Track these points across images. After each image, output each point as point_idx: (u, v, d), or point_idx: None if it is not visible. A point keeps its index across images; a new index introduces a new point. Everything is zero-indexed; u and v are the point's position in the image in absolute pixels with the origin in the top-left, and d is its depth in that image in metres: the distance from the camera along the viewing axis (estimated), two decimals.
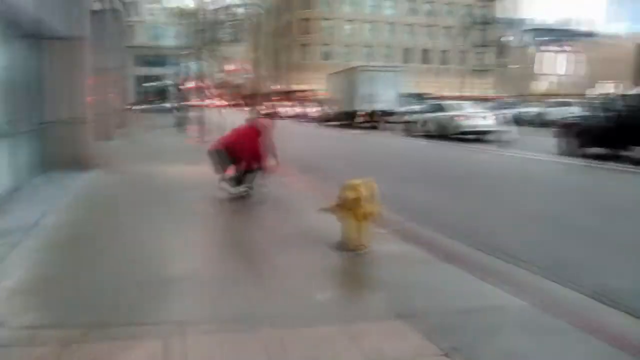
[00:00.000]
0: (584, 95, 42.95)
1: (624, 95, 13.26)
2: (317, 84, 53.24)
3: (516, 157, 12.92)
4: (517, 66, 68.75)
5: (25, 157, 7.36)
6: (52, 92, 8.37)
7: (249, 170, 6.90)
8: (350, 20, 65.44)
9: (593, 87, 57.40)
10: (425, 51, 68.12)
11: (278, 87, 64.12)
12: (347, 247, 4.41)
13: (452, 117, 18.15)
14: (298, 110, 40.52)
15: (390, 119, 26.59)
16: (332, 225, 4.59)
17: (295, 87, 59.94)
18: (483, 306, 3.32)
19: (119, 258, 4.19)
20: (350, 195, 4.28)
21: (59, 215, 5.46)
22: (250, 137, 6.90)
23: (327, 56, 62.03)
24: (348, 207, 4.33)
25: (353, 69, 28.23)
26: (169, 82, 46.36)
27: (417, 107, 26.31)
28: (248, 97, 68.39)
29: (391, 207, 5.43)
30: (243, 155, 6.79)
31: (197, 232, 5.19)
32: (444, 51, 68.47)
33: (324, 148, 16.80)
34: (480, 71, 67.14)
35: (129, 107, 24.07)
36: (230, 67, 77.49)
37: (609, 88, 53.25)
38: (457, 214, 6.41)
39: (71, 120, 8.54)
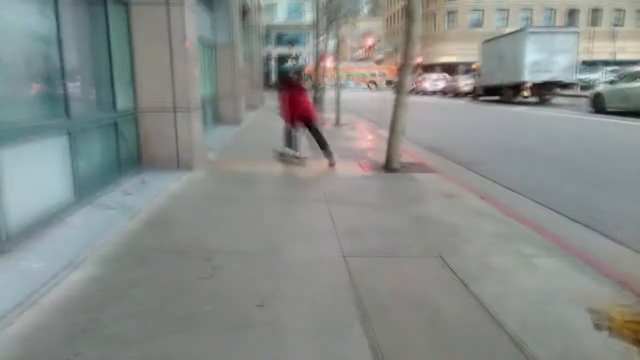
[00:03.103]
0: None
1: None
2: (465, 55, 47.99)
3: None
4: None
5: (211, 115, 12.20)
6: (220, 76, 13.46)
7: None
8: None
9: None
10: (594, 11, 57.84)
11: (420, 60, 59.51)
12: None
13: None
14: (445, 84, 36.17)
15: (564, 91, 21.66)
16: None
17: (440, 59, 54.93)
18: None
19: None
20: None
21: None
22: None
23: (477, 23, 55.62)
24: None
25: (518, 32, 23.27)
26: (303, 61, 45.37)
27: (595, 76, 21.03)
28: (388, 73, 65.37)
29: None
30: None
31: None
32: (618, 10, 57.55)
33: (487, 132, 13.20)
34: None
35: (265, 87, 22.57)
36: (368, 42, 74.81)
37: None
38: None
39: (230, 94, 13.64)
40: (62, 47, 4.38)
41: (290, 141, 7.77)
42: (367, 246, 3.81)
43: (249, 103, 18.24)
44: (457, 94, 31.74)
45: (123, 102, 6.04)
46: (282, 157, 7.74)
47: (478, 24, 55.09)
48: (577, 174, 7.05)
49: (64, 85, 4.43)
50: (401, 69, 6.90)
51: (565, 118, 15.88)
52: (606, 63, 38.90)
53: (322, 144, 7.49)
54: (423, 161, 7.73)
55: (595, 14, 57.91)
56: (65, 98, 4.45)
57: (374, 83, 54.92)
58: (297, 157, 7.57)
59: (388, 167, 6.96)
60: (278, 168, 7.17)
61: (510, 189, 5.99)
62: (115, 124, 5.73)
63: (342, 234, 4.04)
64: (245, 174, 6.66)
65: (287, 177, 6.50)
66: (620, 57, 47.28)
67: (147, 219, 4.41)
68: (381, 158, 7.35)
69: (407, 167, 7.03)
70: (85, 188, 4.73)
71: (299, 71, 8.15)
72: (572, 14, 57.40)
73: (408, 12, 6.66)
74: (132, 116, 6.30)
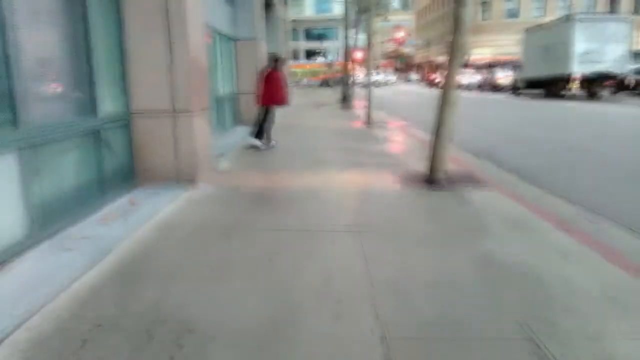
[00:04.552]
0: None
1: None
2: (501, 46, 45.83)
3: None
4: None
5: (230, 115, 11.57)
6: (241, 72, 12.35)
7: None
8: None
9: None
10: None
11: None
12: None
13: None
14: (481, 78, 34.20)
15: (616, 83, 19.82)
16: None
17: (474, 52, 52.63)
18: None
19: None
20: None
21: None
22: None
23: (513, 13, 52.98)
24: None
25: (565, 19, 21.31)
26: (333, 54, 43.87)
27: None
28: (419, 67, 63.47)
29: None
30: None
31: None
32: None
33: (538, 130, 11.70)
34: None
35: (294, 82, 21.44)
36: (399, 35, 72.94)
37: None
38: None
39: (247, 92, 11.91)
40: (5, 31, 3.29)
41: (258, 129, 8.66)
42: (417, 317, 2.59)
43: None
44: (494, 88, 29.86)
45: (110, 104, 4.97)
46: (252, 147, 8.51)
47: (514, 14, 52.55)
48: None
49: (10, 83, 3.34)
50: (450, 61, 5.62)
51: (627, 114, 14.18)
52: None
53: (262, 130, 8.60)
54: (471, 170, 6.43)
55: (638, 2, 54.49)
56: (12, 101, 3.36)
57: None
58: (266, 146, 8.58)
59: (432, 180, 5.71)
60: (297, 179, 6.00)
61: (593, 211, 4.66)
62: (97, 133, 4.65)
63: (380, 292, 2.84)
64: (260, 190, 5.51)
65: (310, 194, 5.32)
66: None
67: (117, 265, 3.30)
68: (420, 166, 6.11)
69: (454, 180, 5.76)
70: (45, 219, 3.67)
71: (277, 58, 8.77)
72: (614, 1, 54.13)
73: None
74: (122, 122, 5.23)
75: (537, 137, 10.26)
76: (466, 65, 41.76)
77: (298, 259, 3.40)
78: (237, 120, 12.22)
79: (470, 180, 5.86)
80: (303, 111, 17.17)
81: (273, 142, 8.74)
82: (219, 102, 10.48)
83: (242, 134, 10.53)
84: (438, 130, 5.69)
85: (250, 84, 12.59)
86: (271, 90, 8.51)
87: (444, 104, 5.61)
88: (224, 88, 11.07)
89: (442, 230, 4.07)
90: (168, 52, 5.30)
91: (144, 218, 4.27)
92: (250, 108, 12.50)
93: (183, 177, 5.53)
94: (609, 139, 9.68)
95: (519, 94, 24.81)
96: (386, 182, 5.83)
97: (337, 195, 5.25)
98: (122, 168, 5.18)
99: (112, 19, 5.06)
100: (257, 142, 8.56)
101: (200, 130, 5.69)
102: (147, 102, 5.39)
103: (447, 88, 5.57)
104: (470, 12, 5.48)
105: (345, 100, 19.21)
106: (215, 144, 8.26)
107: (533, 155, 8.05)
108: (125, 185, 5.20)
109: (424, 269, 3.20)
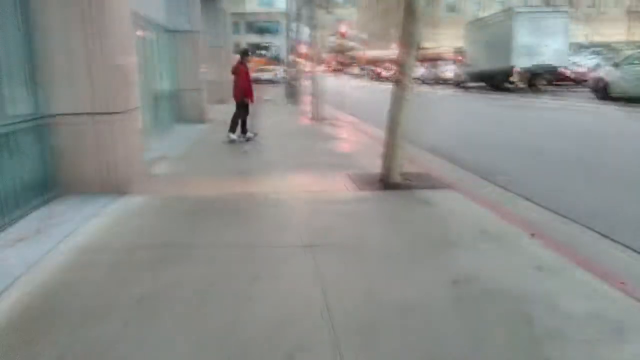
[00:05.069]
0: None
1: None
2: (441, 40, 46.61)
3: None
4: None
5: (169, 113, 10.53)
6: (180, 67, 11.47)
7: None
8: None
9: None
10: None
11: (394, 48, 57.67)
12: None
13: None
14: (425, 71, 34.46)
15: (557, 77, 20.37)
16: None
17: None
18: None
19: None
20: None
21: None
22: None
23: (451, 8, 54.08)
24: None
25: (506, 13, 21.64)
26: (277, 49, 43.07)
27: (595, 60, 19.91)
28: (362, 62, 63.70)
29: None
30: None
31: None
32: None
33: (485, 126, 11.66)
34: None
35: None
36: (342, 30, 72.94)
37: None
38: None
39: (192, 89, 11.65)
40: None
41: (237, 124, 8.86)
42: None
43: (218, 97, 16.47)
44: (438, 81, 30.17)
45: (22, 106, 4.24)
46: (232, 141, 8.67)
47: (452, 9, 53.77)
48: (628, 183, 5.52)
49: None
50: (402, 51, 5.20)
51: (568, 107, 14.47)
52: (583, 47, 37.83)
53: (235, 123, 8.81)
54: (428, 170, 6.10)
55: None
56: None
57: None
58: (246, 138, 8.88)
59: (387, 181, 5.30)
60: (241, 185, 5.43)
61: (557, 213, 4.39)
62: (4, 137, 3.91)
63: (344, 332, 2.36)
64: (200, 199, 4.90)
65: (258, 202, 4.78)
66: (595, 40, 46.38)
67: (19, 303, 2.64)
68: (375, 166, 5.70)
69: (412, 180, 5.38)
70: None
71: (243, 52, 9.18)
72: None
73: None
74: (37, 125, 4.48)
75: (485, 132, 10.17)
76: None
77: (242, 287, 2.86)
78: (181, 118, 11.42)
79: (428, 180, 5.52)
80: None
81: (250, 135, 8.97)
82: (158, 99, 9.70)
83: (186, 134, 9.81)
84: (393, 129, 5.29)
85: (193, 80, 11.86)
86: (240, 85, 8.75)
87: (397, 99, 5.20)
88: (163, 84, 10.26)
89: (404, 242, 3.64)
90: (85, 46, 4.58)
91: (60, 237, 3.60)
92: (196, 105, 11.76)
93: (111, 187, 4.85)
94: (556, 133, 9.69)
95: (466, 88, 25.08)
96: (340, 185, 5.37)
97: (286, 202, 4.74)
98: (38, 177, 4.45)
99: (22, 8, 4.29)
100: (233, 136, 8.77)
101: (129, 133, 5.00)
102: (66, 103, 4.67)
103: (400, 82, 5.16)
104: None
105: (291, 96, 18.64)
106: (155, 146, 7.59)
107: (485, 151, 7.85)
108: (43, 198, 4.48)
109: (390, 296, 2.75)
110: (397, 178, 5.31)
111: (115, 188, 4.86)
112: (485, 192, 5.14)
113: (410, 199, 4.81)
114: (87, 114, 4.67)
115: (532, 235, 3.68)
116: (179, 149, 7.95)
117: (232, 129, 8.78)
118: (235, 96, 8.84)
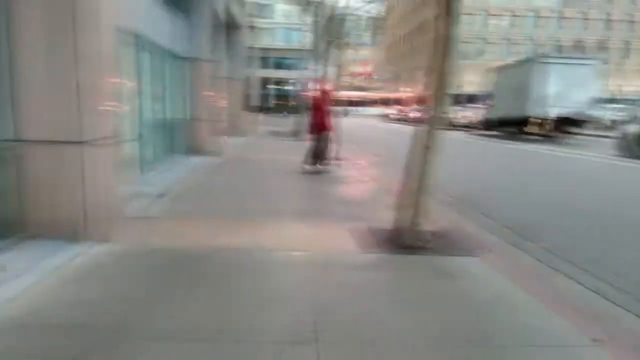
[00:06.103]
0: None
1: None
2: (466, 85, 46.46)
3: None
4: None
5: (180, 143, 10.25)
6: (194, 96, 10.95)
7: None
8: (495, 15, 57.14)
9: None
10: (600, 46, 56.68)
11: (411, 90, 57.50)
12: None
13: None
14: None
15: (578, 129, 19.59)
16: None
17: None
18: None
19: None
20: None
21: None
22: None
23: (465, 56, 54.24)
24: None
25: (528, 61, 20.99)
26: (292, 85, 43.09)
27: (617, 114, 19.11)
28: (379, 102, 63.64)
29: None
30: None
31: None
32: (601, 45, 56.35)
33: (510, 175, 10.79)
34: None
35: (247, 111, 20.10)
36: (359, 70, 73.46)
37: None
38: None
39: (208, 118, 11.18)
40: None
41: (315, 155, 9.29)
42: None
43: (237, 128, 15.96)
44: (454, 126, 29.47)
45: None
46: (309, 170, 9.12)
47: (466, 56, 53.98)
48: None
49: None
50: (434, 93, 4.40)
51: (592, 161, 13.57)
52: (608, 100, 37.10)
53: (315, 155, 9.30)
54: (453, 226, 5.22)
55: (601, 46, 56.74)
56: None
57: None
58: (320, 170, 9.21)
59: (404, 241, 4.42)
60: (236, 236, 4.58)
61: (617, 305, 3.45)
62: None
63: None
64: (178, 253, 4.04)
65: (246, 263, 3.91)
66: (620, 94, 45.76)
67: None
68: (386, 218, 4.84)
69: (433, 241, 4.50)
70: None
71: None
72: (577, 47, 55.94)
73: (446, 10, 4.23)
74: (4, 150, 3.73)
75: (510, 182, 9.29)
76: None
77: None
78: (191, 149, 10.73)
79: (455, 241, 4.63)
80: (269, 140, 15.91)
81: (323, 167, 9.31)
82: (163, 128, 9.04)
83: (193, 166, 9.07)
84: (420, 181, 4.43)
85: (209, 110, 11.24)
86: (316, 118, 9.31)
87: (423, 146, 4.37)
88: (168, 113, 9.59)
89: (433, 334, 2.74)
90: (45, 63, 3.86)
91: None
92: (197, 136, 11.06)
93: (88, 230, 4.05)
94: (590, 190, 8.79)
95: (476, 134, 24.19)
96: (347, 243, 4.50)
97: (281, 265, 3.87)
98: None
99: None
100: (308, 167, 9.20)
101: (100, 166, 4.21)
102: (30, 127, 3.93)
103: (430, 127, 4.33)
104: (457, 31, 4.32)
105: (298, 133, 17.86)
106: (155, 180, 6.93)
107: (515, 206, 6.96)
108: (8, 240, 3.70)
109: None
110: (417, 237, 4.43)
111: (92, 233, 4.06)
112: (521, 263, 4.24)
113: (430, 268, 3.91)
114: (48, 142, 3.90)
115: (594, 340, 2.77)
116: (184, 183, 7.20)
117: (315, 161, 9.24)
118: (313, 129, 9.30)
